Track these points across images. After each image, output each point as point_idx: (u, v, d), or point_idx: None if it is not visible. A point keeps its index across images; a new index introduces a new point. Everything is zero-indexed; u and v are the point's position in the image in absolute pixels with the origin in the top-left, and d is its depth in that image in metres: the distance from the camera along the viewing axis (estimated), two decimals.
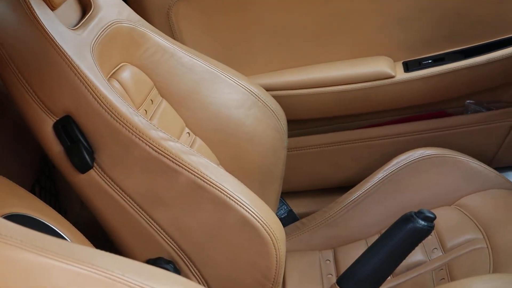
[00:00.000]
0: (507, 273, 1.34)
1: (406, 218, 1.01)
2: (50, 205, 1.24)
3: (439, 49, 1.80)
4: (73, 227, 1.23)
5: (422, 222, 1.00)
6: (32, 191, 1.45)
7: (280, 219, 1.81)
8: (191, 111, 1.53)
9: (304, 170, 1.90)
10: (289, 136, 1.71)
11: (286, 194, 1.91)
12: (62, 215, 1.24)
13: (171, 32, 1.78)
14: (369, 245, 1.54)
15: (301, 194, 1.94)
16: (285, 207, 1.89)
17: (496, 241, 1.43)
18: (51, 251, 0.82)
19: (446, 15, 1.76)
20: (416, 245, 1.03)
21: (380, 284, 1.01)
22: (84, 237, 1.23)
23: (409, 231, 1.00)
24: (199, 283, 1.26)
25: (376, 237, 1.58)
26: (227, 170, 1.36)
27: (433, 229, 1.03)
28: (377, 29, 1.80)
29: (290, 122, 1.72)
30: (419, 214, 1.01)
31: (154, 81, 1.49)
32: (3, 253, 0.79)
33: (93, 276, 0.83)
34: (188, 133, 1.51)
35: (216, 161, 1.53)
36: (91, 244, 1.22)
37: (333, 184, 1.92)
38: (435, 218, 1.02)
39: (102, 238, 1.25)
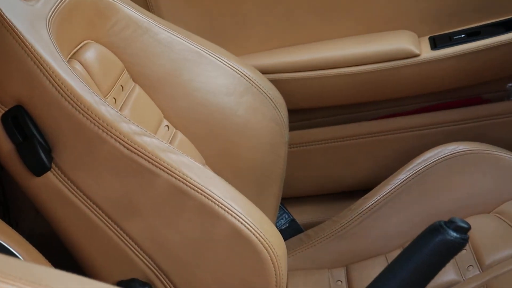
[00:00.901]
0: None
1: (434, 229, 1.02)
2: None
3: (473, 21, 1.82)
4: (26, 241, 1.23)
5: (454, 234, 1.00)
6: None
7: (281, 230, 1.83)
8: (171, 99, 1.54)
9: (309, 171, 1.91)
10: (291, 129, 1.72)
11: (288, 200, 1.92)
12: (13, 227, 1.24)
13: (145, 2, 1.80)
14: (389, 262, 1.56)
15: (306, 200, 1.96)
16: (286, 216, 1.89)
17: None
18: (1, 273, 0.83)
19: None
20: (447, 262, 1.03)
21: None
22: (40, 253, 1.23)
23: (438, 244, 1.01)
24: None
25: (398, 252, 1.59)
26: (215, 171, 1.37)
27: (467, 242, 1.03)
28: None
29: (292, 112, 1.74)
30: (450, 223, 1.01)
31: (124, 62, 1.50)
32: None
33: None
34: (167, 126, 1.52)
35: (202, 160, 1.53)
36: (49, 262, 1.22)
37: (345, 188, 1.93)
38: (469, 228, 1.02)
39: (62, 254, 1.25)
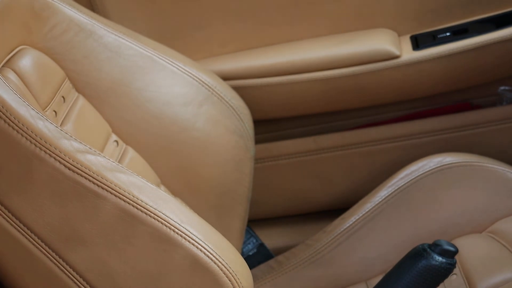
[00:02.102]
0: None
1: (417, 253, 1.02)
2: None
3: (460, 18, 1.83)
4: None
5: (439, 258, 1.01)
6: None
7: (247, 257, 1.84)
8: (120, 111, 1.53)
9: (279, 189, 1.92)
10: (257, 142, 1.73)
11: (255, 222, 1.93)
12: None
13: (89, 2, 1.79)
14: None
15: (276, 222, 1.97)
16: (254, 241, 1.90)
17: None
18: None
19: None
20: (434, 287, 1.04)
21: None
22: None
23: (422, 270, 1.01)
24: None
25: (380, 278, 1.60)
26: (171, 192, 1.37)
27: (454, 266, 1.03)
28: None
29: (258, 123, 1.75)
30: (435, 246, 1.02)
31: (66, 70, 1.49)
32: None
33: None
34: (116, 141, 1.52)
35: (157, 180, 1.53)
36: None
37: (319, 207, 1.94)
38: (456, 251, 1.03)
39: None
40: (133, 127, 1.54)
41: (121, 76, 1.54)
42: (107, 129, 1.52)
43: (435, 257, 1.00)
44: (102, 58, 1.53)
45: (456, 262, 1.04)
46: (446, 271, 1.01)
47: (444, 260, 1.00)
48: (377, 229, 1.65)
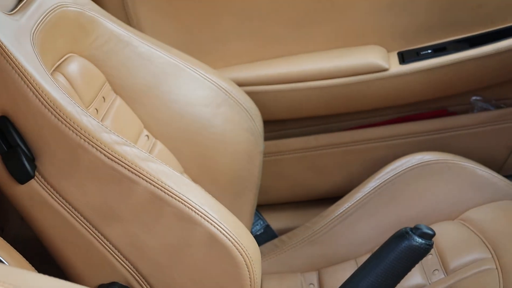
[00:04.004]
0: None
1: (401, 235, 1.02)
2: None
3: (439, 38, 1.82)
4: (11, 247, 1.22)
5: (419, 240, 1.01)
6: None
7: (256, 236, 1.83)
8: (150, 110, 1.53)
9: (284, 179, 1.91)
10: (266, 139, 1.73)
11: (263, 207, 1.92)
12: None
13: (126, 17, 1.79)
14: (359, 266, 1.57)
15: (280, 207, 1.96)
16: (261, 222, 1.89)
17: (507, 261, 1.45)
18: None
19: None
20: (413, 266, 1.04)
21: None
22: (24, 258, 1.23)
23: (404, 249, 1.01)
24: None
25: (368, 256, 1.59)
26: (192, 179, 1.37)
27: (431, 247, 1.03)
28: (367, 13, 1.81)
29: (267, 123, 1.74)
30: (416, 230, 1.02)
31: (106, 75, 1.49)
32: None
33: None
34: (147, 136, 1.52)
35: (180, 169, 1.53)
36: (33, 268, 1.21)
37: (317, 195, 1.93)
38: (434, 234, 1.03)
39: (46, 259, 1.24)
40: (161, 124, 1.54)
41: (152, 81, 1.54)
42: (140, 125, 1.52)
43: (416, 239, 1.00)
44: (136, 65, 1.53)
45: (433, 243, 1.04)
46: (424, 251, 1.01)
47: (423, 241, 1.00)
48: (366, 214, 1.65)
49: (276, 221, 1.92)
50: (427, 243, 1.01)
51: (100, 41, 1.49)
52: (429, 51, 1.80)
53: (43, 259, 1.23)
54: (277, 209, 1.94)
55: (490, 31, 1.79)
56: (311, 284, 1.60)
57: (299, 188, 1.93)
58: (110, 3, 1.76)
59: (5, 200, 1.62)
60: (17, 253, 1.23)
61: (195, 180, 1.38)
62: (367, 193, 1.67)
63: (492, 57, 1.75)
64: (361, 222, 1.65)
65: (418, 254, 1.02)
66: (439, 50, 1.79)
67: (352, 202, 1.67)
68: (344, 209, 1.67)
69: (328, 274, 1.61)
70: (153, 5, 1.80)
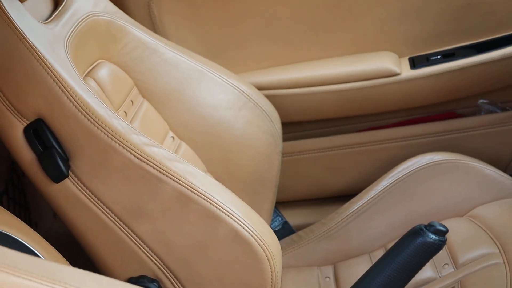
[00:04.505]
0: None
1: (415, 232, 1.02)
2: (20, 217, 1.24)
3: (448, 44, 1.81)
4: (46, 241, 1.22)
5: (433, 236, 1.01)
6: (0, 202, 1.45)
7: (274, 232, 1.82)
8: (176, 113, 1.53)
9: (301, 178, 1.91)
10: (284, 140, 1.72)
11: (281, 204, 1.91)
12: (33, 228, 1.24)
13: (152, 25, 1.79)
14: (372, 260, 1.57)
15: (298, 204, 1.95)
16: (280, 219, 1.89)
17: None
18: (23, 270, 0.82)
19: (456, 5, 1.77)
20: (427, 261, 1.03)
21: None
22: (58, 252, 1.23)
23: (419, 246, 1.01)
24: None
25: (381, 251, 1.60)
26: (215, 178, 1.37)
27: (445, 243, 1.03)
28: (380, 21, 1.81)
29: (285, 125, 1.73)
30: (430, 227, 1.01)
31: (134, 80, 1.50)
32: None
33: None
34: (173, 137, 1.52)
35: (204, 169, 1.53)
36: (66, 261, 1.22)
37: (333, 193, 1.93)
38: (447, 231, 1.02)
39: (78, 253, 1.25)
40: (186, 126, 1.54)
41: (177, 85, 1.54)
42: (165, 127, 1.52)
43: (430, 235, 1.00)
44: (162, 71, 1.53)
45: (446, 240, 1.04)
46: (438, 247, 1.01)
47: (437, 238, 1.00)
48: (379, 211, 1.65)
49: (293, 217, 1.91)
50: (441, 239, 1.01)
51: (128, 48, 1.50)
52: (439, 56, 1.79)
53: (74, 253, 1.24)
54: (295, 206, 1.94)
55: (496, 37, 1.78)
56: (327, 277, 1.59)
57: (315, 186, 1.93)
58: (137, 12, 1.76)
59: (38, 197, 1.63)
60: (51, 247, 1.23)
61: (217, 179, 1.38)
62: (380, 191, 1.66)
63: (498, 62, 1.75)
64: (374, 219, 1.64)
65: (432, 250, 1.02)
66: (448, 55, 1.79)
67: (366, 200, 1.67)
68: (358, 206, 1.67)
69: (343, 268, 1.60)
70: (177, 14, 1.80)
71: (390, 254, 1.03)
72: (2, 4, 1.20)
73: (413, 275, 1.03)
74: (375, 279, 1.02)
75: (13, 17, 1.20)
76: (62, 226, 1.32)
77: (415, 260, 1.02)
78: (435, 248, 1.02)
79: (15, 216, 1.24)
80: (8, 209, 1.25)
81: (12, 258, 0.84)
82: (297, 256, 1.66)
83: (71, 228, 1.28)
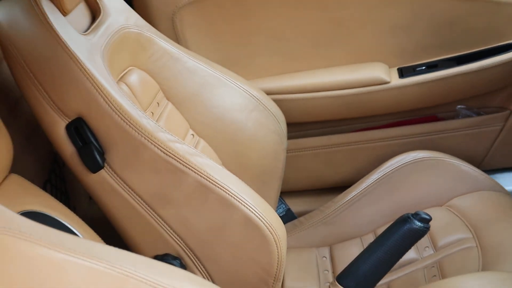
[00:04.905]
0: (495, 271, 1.35)
1: (404, 220, 1.02)
2: (61, 202, 1.25)
3: (432, 56, 1.81)
4: (84, 223, 1.23)
5: (419, 223, 1.01)
6: (44, 188, 1.45)
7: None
8: (195, 114, 1.53)
9: (302, 171, 1.90)
10: (288, 138, 1.72)
11: (285, 193, 1.91)
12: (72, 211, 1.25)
13: (176, 37, 1.78)
14: (363, 243, 1.57)
15: (299, 193, 1.94)
16: (284, 206, 1.89)
17: (485, 241, 1.45)
18: (67, 248, 0.83)
19: (440, 23, 1.77)
20: (413, 244, 1.04)
21: (378, 281, 1.02)
22: (95, 233, 1.24)
23: (406, 231, 1.01)
24: (204, 278, 1.26)
25: (371, 235, 1.60)
26: (229, 171, 1.37)
27: (428, 229, 1.03)
28: (373, 36, 1.80)
29: (290, 125, 1.73)
30: (416, 215, 1.02)
31: (160, 84, 1.50)
32: (23, 248, 0.80)
33: (106, 272, 0.84)
34: (192, 134, 1.52)
35: (219, 162, 1.53)
36: (102, 240, 1.23)
37: (329, 184, 1.92)
38: (430, 219, 1.03)
39: (109, 234, 1.25)
40: (204, 125, 1.54)
41: (196, 90, 1.54)
42: (186, 125, 1.52)
43: (416, 223, 1.00)
44: (184, 77, 1.53)
45: (430, 226, 1.04)
46: (423, 232, 1.01)
47: (422, 225, 1.01)
48: (369, 201, 1.65)
49: (295, 205, 1.90)
50: (425, 226, 1.02)
51: (155, 56, 1.50)
52: (423, 67, 1.78)
53: (107, 234, 1.24)
54: (297, 196, 1.93)
55: (473, 52, 1.78)
56: (324, 257, 1.60)
57: (314, 178, 1.92)
58: (163, 26, 1.76)
59: (76, 185, 1.64)
60: (89, 228, 1.24)
61: (231, 171, 1.38)
62: (370, 183, 1.67)
63: (475, 73, 1.74)
64: (365, 207, 1.65)
65: (417, 235, 1.02)
66: (432, 66, 1.78)
67: (358, 191, 1.67)
68: (351, 196, 1.67)
69: (338, 249, 1.61)
70: (197, 27, 1.80)
71: (381, 238, 1.04)
72: (48, 17, 1.20)
73: (400, 257, 1.04)
74: (368, 260, 1.02)
75: (57, 29, 1.20)
76: (97, 210, 1.32)
77: (403, 244, 1.02)
78: (420, 233, 1.02)
79: (58, 201, 1.24)
80: (51, 195, 1.26)
81: (58, 237, 0.85)
82: (298, 238, 1.66)
83: (105, 212, 1.29)
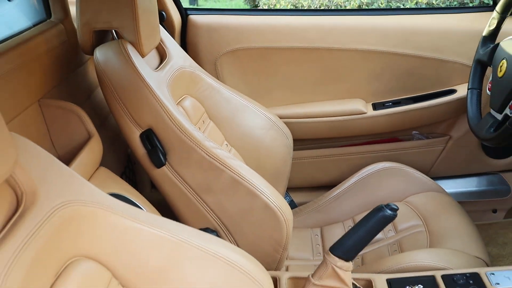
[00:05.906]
0: (438, 247, 1.35)
1: (379, 209, 1.00)
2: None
3: (397, 96, 1.80)
4: (149, 203, 1.23)
5: (389, 212, 0.99)
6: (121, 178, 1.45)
7: None
8: (229, 130, 1.52)
9: (302, 174, 1.88)
10: (294, 150, 1.70)
11: (290, 189, 1.89)
12: None
13: (217, 75, 1.78)
14: (344, 226, 1.55)
15: (300, 189, 1.91)
16: (288, 198, 1.87)
17: (431, 227, 1.44)
18: (140, 219, 0.83)
19: (402, 73, 1.76)
20: (385, 226, 1.02)
21: (359, 252, 1.00)
22: (155, 209, 1.23)
23: (380, 217, 0.99)
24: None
25: (350, 221, 1.58)
26: None
27: (396, 216, 1.01)
28: (355, 80, 1.80)
29: (295, 141, 1.71)
30: (387, 206, 1.00)
31: (205, 108, 1.49)
32: (109, 219, 0.80)
33: (168, 238, 0.84)
34: (226, 144, 1.51)
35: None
36: (161, 215, 1.21)
37: (322, 184, 1.89)
38: (398, 209, 1.01)
39: (164, 212, 1.25)
40: (235, 138, 1.53)
41: (230, 113, 1.53)
42: (222, 138, 1.51)
43: (387, 211, 0.98)
44: (222, 104, 1.52)
45: (397, 214, 1.02)
46: (392, 218, 0.99)
47: (391, 213, 0.98)
48: (349, 196, 1.63)
49: (297, 197, 1.88)
50: (394, 214, 0.99)
51: (202, 88, 1.49)
52: (390, 103, 1.77)
53: (162, 212, 1.24)
54: (298, 191, 1.90)
55: (426, 93, 1.77)
56: (316, 235, 1.58)
57: (311, 179, 1.90)
58: (208, 67, 1.77)
59: (143, 176, 1.62)
60: (152, 207, 1.23)
61: None
62: (351, 184, 1.65)
63: (426, 109, 1.73)
64: (346, 201, 1.63)
65: (388, 220, 1.00)
66: (396, 103, 1.77)
67: (342, 189, 1.65)
68: (336, 193, 1.65)
69: (326, 230, 1.59)
70: (232, 69, 1.80)
71: (362, 221, 1.01)
72: (132, 58, 1.21)
73: (376, 235, 1.01)
74: (353, 236, 1.00)
75: (138, 67, 1.21)
76: (157, 195, 1.32)
77: (378, 226, 1.00)
78: (390, 219, 1.00)
79: (131, 186, 1.24)
80: None
81: (133, 211, 0.85)
82: (298, 221, 1.64)
83: (165, 196, 1.28)
